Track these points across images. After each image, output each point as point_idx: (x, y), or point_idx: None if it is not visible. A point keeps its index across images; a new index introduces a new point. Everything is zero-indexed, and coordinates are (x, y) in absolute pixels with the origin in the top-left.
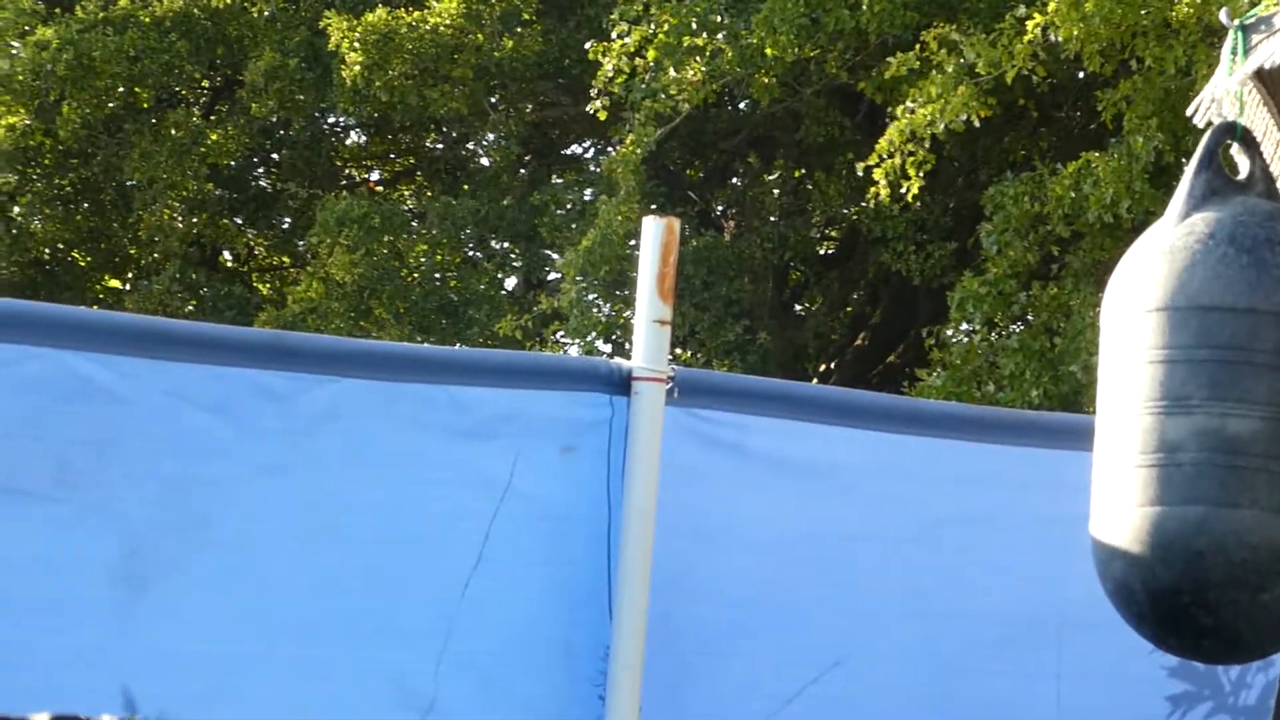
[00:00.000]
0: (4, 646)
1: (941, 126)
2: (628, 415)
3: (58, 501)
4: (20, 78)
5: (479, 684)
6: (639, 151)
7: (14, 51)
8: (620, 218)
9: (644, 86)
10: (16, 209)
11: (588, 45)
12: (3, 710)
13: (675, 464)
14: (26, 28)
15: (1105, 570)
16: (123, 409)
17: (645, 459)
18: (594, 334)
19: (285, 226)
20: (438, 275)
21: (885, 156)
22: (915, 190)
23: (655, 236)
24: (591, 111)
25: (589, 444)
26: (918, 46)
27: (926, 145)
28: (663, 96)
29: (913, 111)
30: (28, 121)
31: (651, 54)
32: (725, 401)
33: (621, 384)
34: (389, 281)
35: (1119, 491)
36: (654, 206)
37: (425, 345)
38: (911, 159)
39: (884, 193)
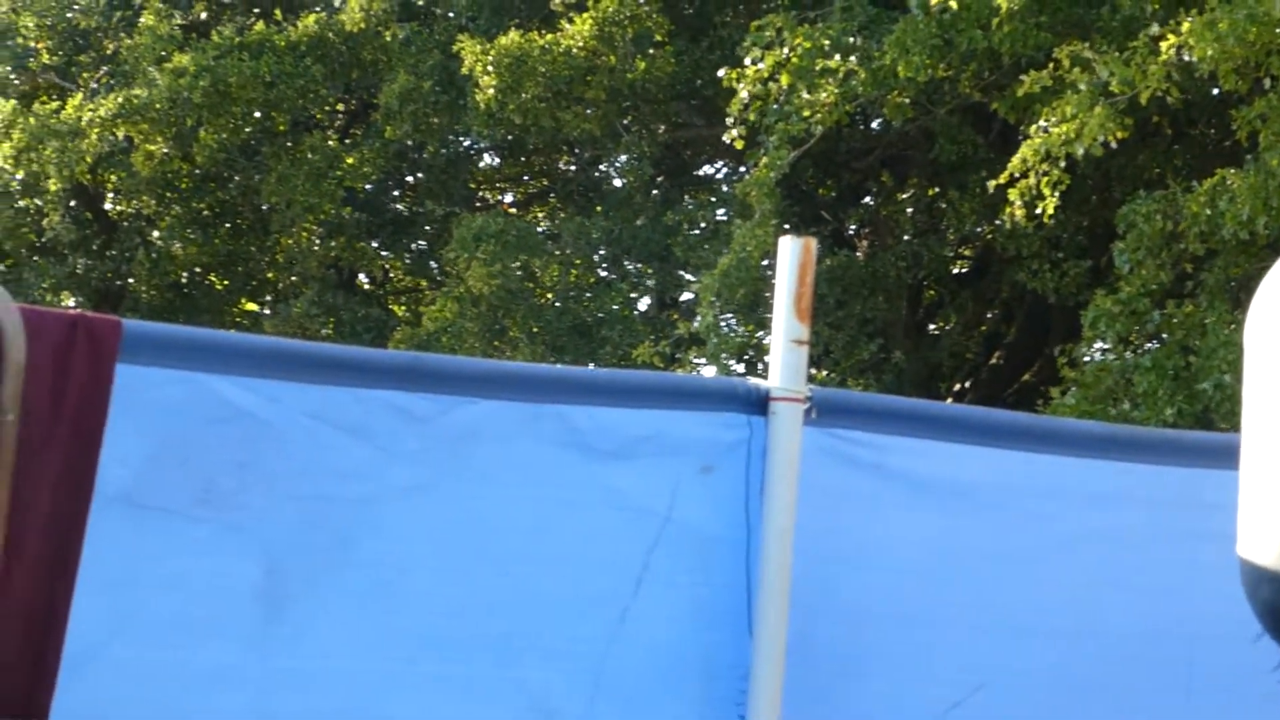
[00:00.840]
0: (145, 665)
1: (1080, 150)
2: (766, 435)
3: (200, 522)
4: (158, 106)
5: (620, 705)
6: (773, 174)
7: (153, 80)
8: (755, 240)
9: (777, 109)
10: (156, 234)
11: (720, 72)
12: None
13: (814, 484)
14: (163, 54)
15: (1254, 592)
16: (265, 431)
17: (784, 479)
18: (727, 355)
19: (421, 249)
20: (571, 295)
21: (1019, 175)
22: (1051, 210)
23: (792, 257)
24: (728, 141)
25: (728, 464)
26: (1050, 64)
27: (1062, 165)
28: (796, 119)
29: (1047, 130)
30: (166, 149)
31: (785, 78)
32: (863, 421)
33: (759, 404)
34: (523, 301)
35: (1268, 512)
36: (788, 227)
37: (564, 366)
38: (1046, 179)
39: (1019, 213)
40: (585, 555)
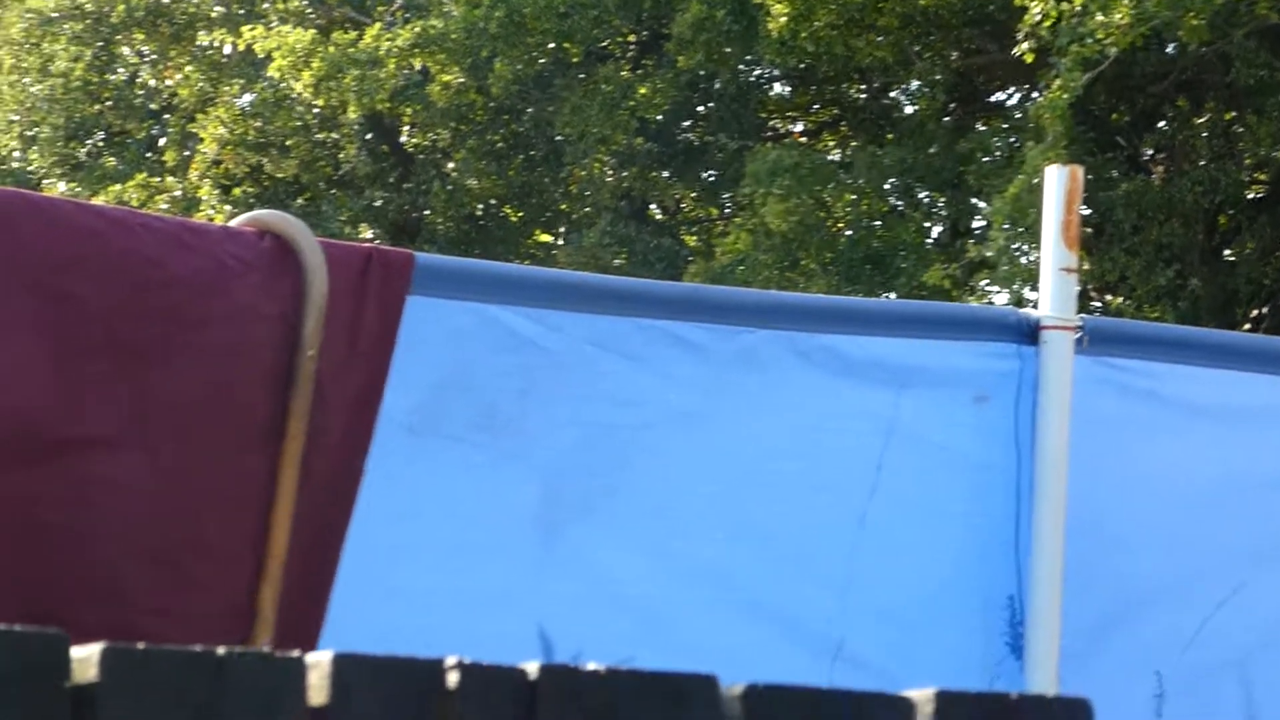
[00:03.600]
0: (423, 589)
1: None
2: (1037, 365)
3: (479, 447)
4: (454, 36)
5: (886, 627)
6: (1066, 97)
7: (447, 10)
8: (1047, 164)
9: (1070, 31)
10: (451, 165)
11: None
12: (420, 652)
13: (1086, 413)
14: None
15: None
16: (545, 358)
17: (1056, 408)
18: (1020, 282)
19: (713, 179)
20: (864, 225)
21: None
22: None
23: (1059, 184)
24: (1018, 55)
25: (998, 394)
26: None
27: None
28: (1090, 41)
29: None
30: (461, 79)
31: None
32: (1135, 349)
33: (1030, 334)
34: (816, 233)
35: None
36: (1081, 152)
37: (838, 296)
38: None
39: None
40: (856, 483)
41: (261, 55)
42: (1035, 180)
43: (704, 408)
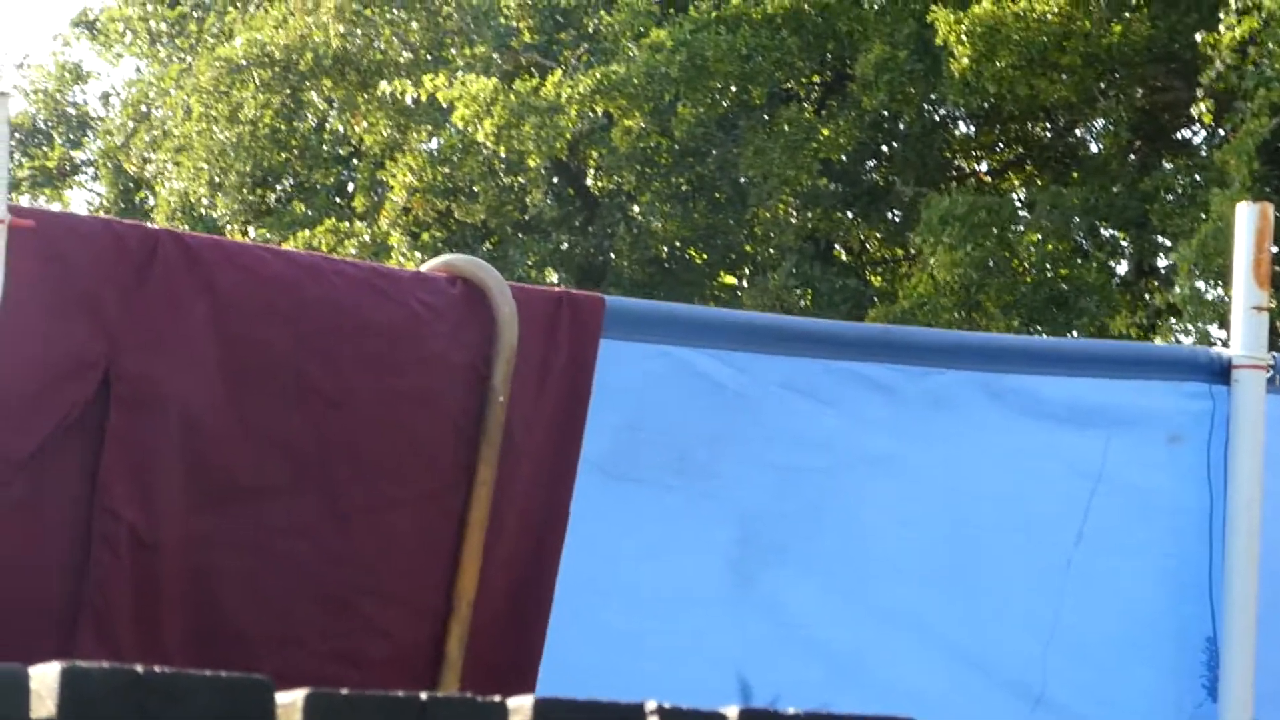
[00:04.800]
0: (622, 635)
1: None
2: (1229, 404)
3: (675, 491)
4: (636, 81)
5: (1086, 672)
6: (1251, 141)
7: (630, 55)
8: (1232, 208)
9: (1256, 72)
10: (636, 208)
11: (1198, 36)
12: (620, 698)
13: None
14: (641, 29)
15: None
16: (738, 402)
17: (1248, 447)
18: (1205, 321)
19: (896, 220)
20: (1047, 266)
21: None
22: None
23: (1250, 223)
24: (1196, 115)
25: (1190, 433)
26: None
27: None
28: (1276, 84)
29: None
30: (643, 124)
31: (1264, 41)
32: None
33: (1222, 373)
34: (998, 275)
35: None
36: (1270, 192)
37: (1027, 336)
38: None
39: None
40: (1049, 523)
41: (445, 105)
42: (1220, 225)
43: (897, 450)
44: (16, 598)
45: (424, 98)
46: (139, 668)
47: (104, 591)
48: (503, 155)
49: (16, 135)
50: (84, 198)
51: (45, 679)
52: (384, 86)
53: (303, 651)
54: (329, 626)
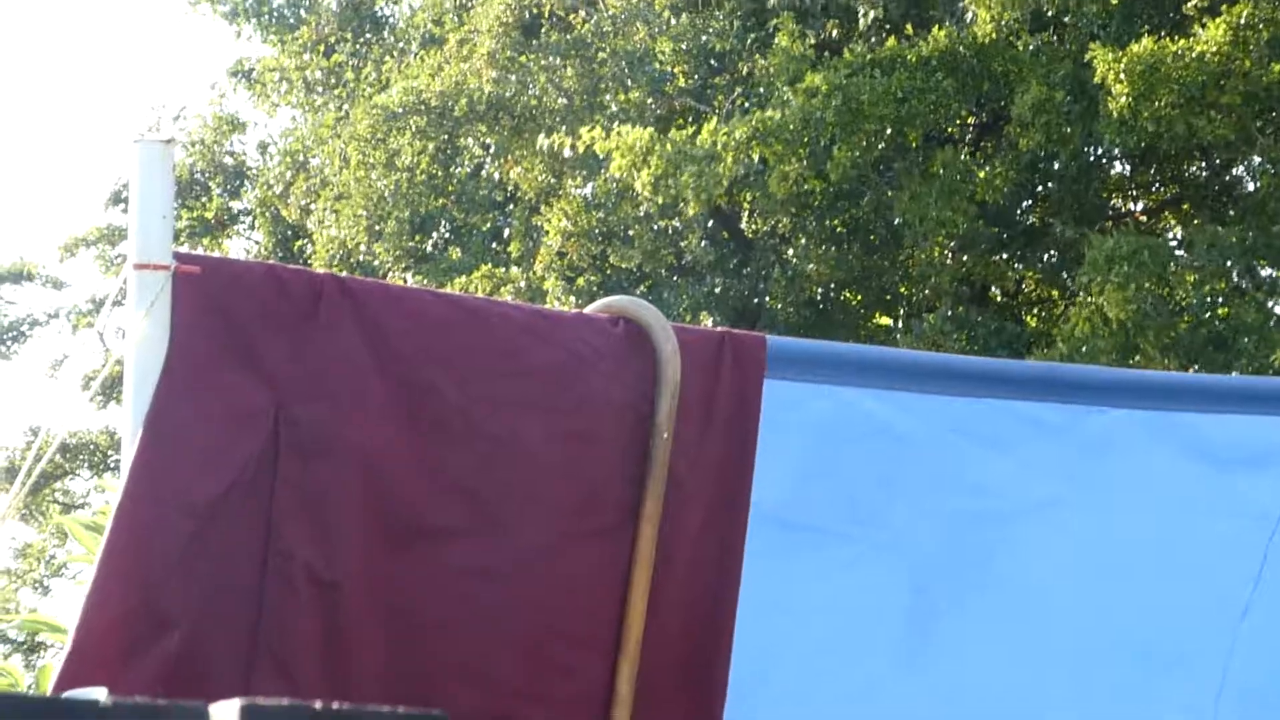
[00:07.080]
0: (802, 686)
1: None
2: None
3: (852, 540)
4: (791, 126)
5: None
6: None
7: (786, 100)
8: None
9: None
10: (791, 251)
11: None
12: None
13: None
14: (796, 73)
15: None
16: (905, 446)
17: None
18: None
19: (1053, 261)
20: (1206, 306)
21: None
22: None
23: None
24: None
25: None
26: None
27: None
28: None
29: None
30: (799, 168)
31: None
32: None
33: None
34: (1157, 316)
35: None
36: None
37: (1193, 374)
38: None
39: None
40: (1238, 572)
41: (601, 155)
42: None
43: (1065, 494)
44: (199, 638)
45: (581, 150)
46: (317, 704)
47: (282, 629)
48: (659, 202)
49: (174, 186)
50: (242, 246)
51: (226, 716)
52: (542, 140)
53: (488, 691)
54: (514, 665)
